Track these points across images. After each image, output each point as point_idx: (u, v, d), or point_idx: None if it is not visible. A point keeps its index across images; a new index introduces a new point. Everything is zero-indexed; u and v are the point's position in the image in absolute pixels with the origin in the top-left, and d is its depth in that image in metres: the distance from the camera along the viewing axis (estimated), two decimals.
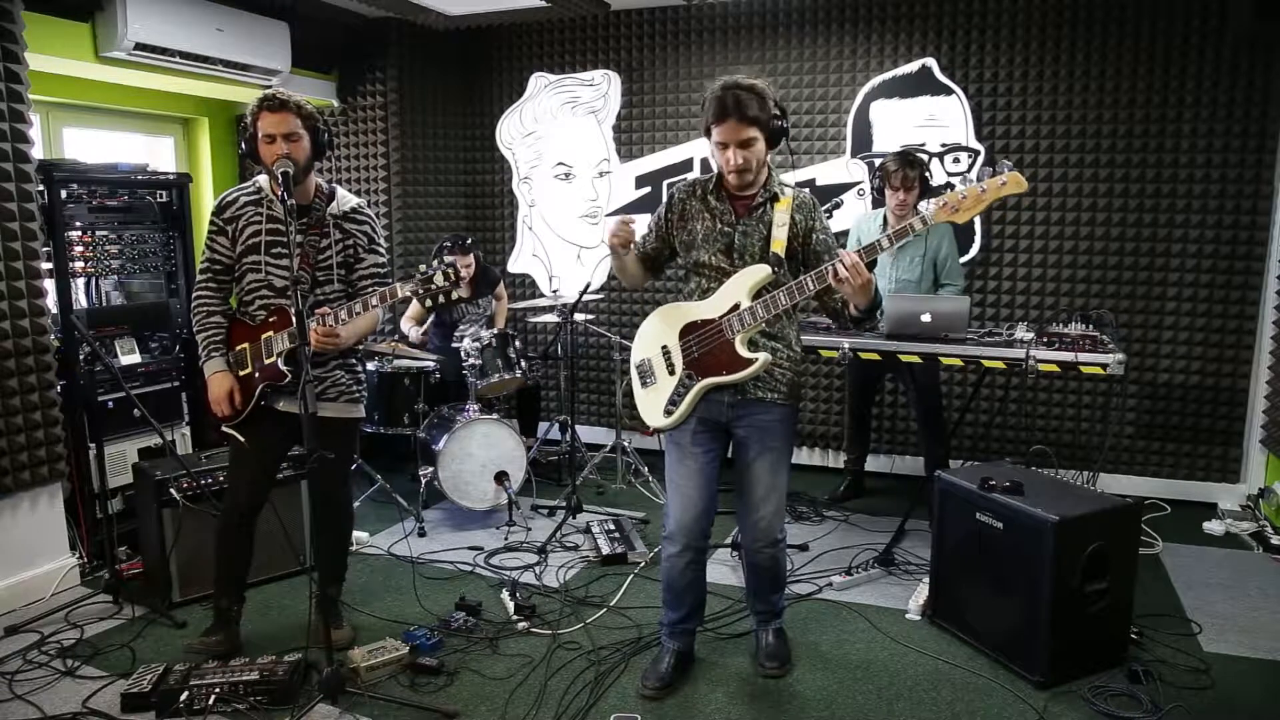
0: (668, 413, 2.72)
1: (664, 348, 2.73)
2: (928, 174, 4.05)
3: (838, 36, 4.86)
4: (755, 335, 2.63)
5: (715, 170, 2.67)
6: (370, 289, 2.84)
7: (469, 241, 4.77)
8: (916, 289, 4.08)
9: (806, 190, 2.72)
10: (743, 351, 2.57)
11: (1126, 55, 4.38)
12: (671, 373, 2.72)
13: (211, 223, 2.83)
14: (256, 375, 2.80)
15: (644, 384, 2.80)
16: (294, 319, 2.59)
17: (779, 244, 2.58)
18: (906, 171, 3.92)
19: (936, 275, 4.10)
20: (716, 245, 2.64)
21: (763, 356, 2.57)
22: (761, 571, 2.88)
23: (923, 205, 2.48)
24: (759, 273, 2.57)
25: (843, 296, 2.54)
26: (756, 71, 5.00)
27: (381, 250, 2.95)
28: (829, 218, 4.82)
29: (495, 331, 4.53)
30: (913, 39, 4.72)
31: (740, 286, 2.58)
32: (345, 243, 2.85)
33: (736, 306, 2.58)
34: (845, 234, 4.47)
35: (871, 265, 2.46)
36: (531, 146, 5.56)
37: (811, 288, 2.49)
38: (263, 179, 2.84)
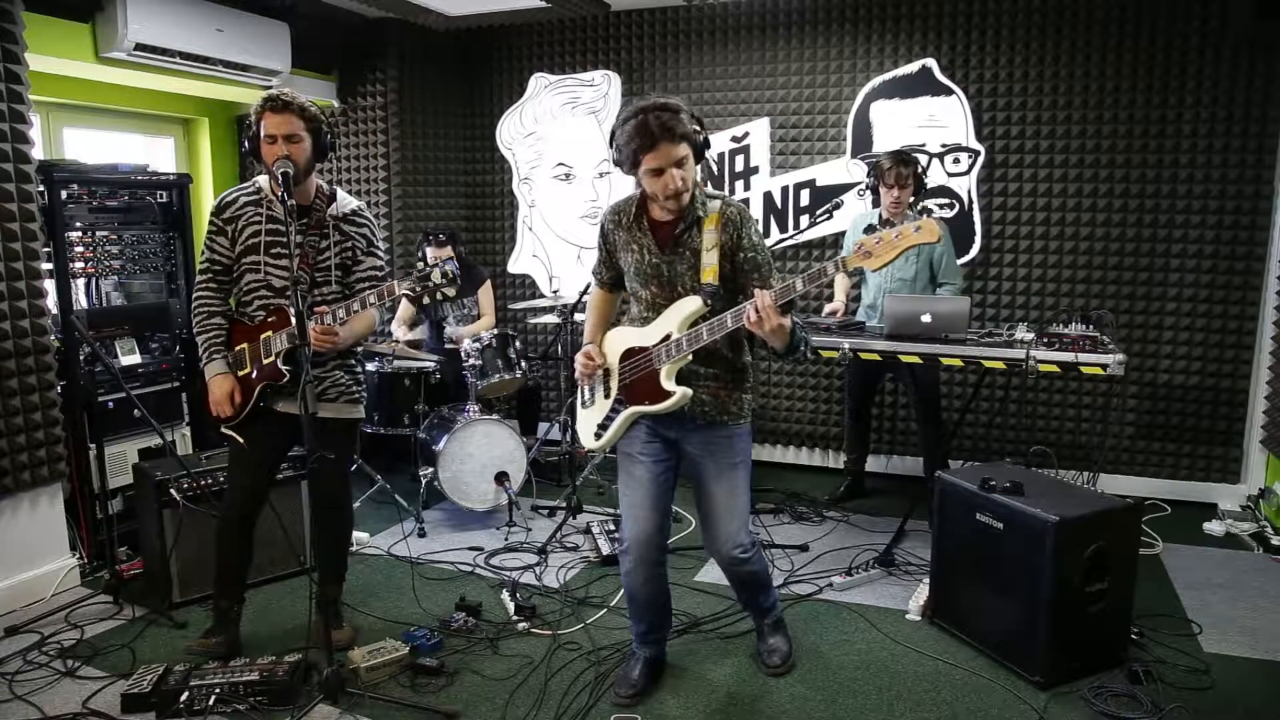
0: (597, 435, 2.72)
1: (605, 370, 2.72)
2: (922, 172, 4.06)
3: (838, 37, 4.86)
4: (685, 367, 2.54)
5: (636, 196, 2.59)
6: (368, 292, 2.85)
7: (443, 236, 4.73)
8: (911, 288, 4.08)
9: (735, 203, 2.57)
10: (666, 384, 2.51)
11: (1126, 55, 4.38)
12: (606, 396, 2.71)
13: (211, 223, 2.83)
14: (254, 375, 2.80)
15: (583, 404, 2.80)
16: (293, 319, 2.59)
17: (710, 271, 2.47)
18: (900, 170, 3.94)
19: (933, 274, 4.10)
20: (649, 278, 2.57)
21: (680, 391, 2.49)
22: (743, 584, 2.87)
23: (867, 237, 2.35)
24: (691, 305, 2.49)
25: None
26: (756, 72, 5.01)
27: (380, 254, 2.95)
28: (828, 218, 4.82)
29: (495, 332, 4.53)
30: (913, 39, 4.72)
31: (674, 318, 2.51)
32: (344, 245, 2.85)
33: (668, 337, 2.52)
34: (843, 235, 4.48)
35: (789, 307, 2.37)
36: (532, 147, 5.56)
37: (730, 325, 2.41)
38: (263, 179, 2.85)
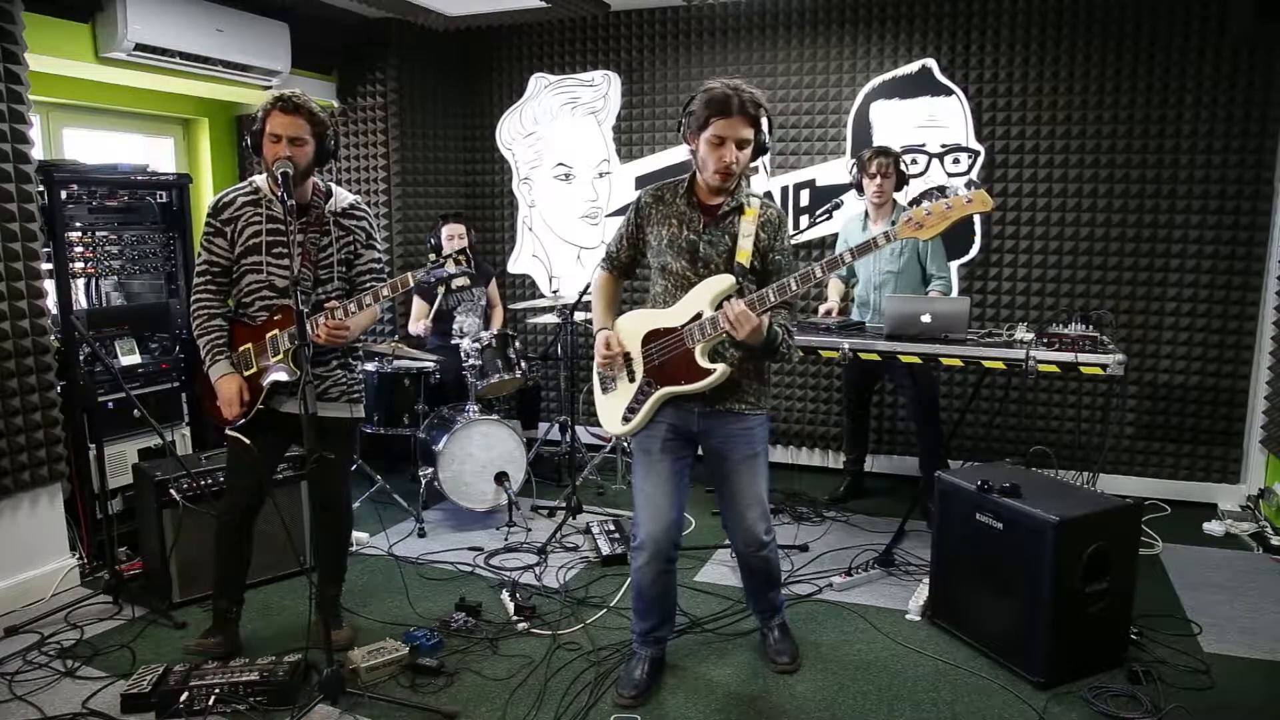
0: (625, 419, 2.70)
1: (626, 354, 2.70)
2: (902, 163, 4.11)
3: (838, 37, 4.86)
4: (718, 345, 2.58)
5: (690, 173, 2.65)
6: (369, 284, 2.85)
7: (463, 214, 4.90)
8: (899, 280, 4.09)
9: (775, 206, 2.67)
10: (702, 362, 2.53)
11: (1126, 55, 4.38)
12: (631, 379, 2.70)
13: (208, 224, 2.81)
14: (260, 374, 2.79)
15: (604, 389, 2.79)
16: (296, 319, 2.59)
17: (744, 255, 2.55)
18: (881, 159, 4.00)
19: (923, 266, 4.11)
20: (682, 252, 2.61)
21: (720, 368, 2.52)
22: (755, 573, 2.89)
23: (916, 208, 2.48)
24: (723, 282, 2.53)
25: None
26: (756, 72, 5.01)
27: (379, 246, 2.95)
28: (828, 218, 4.82)
29: (495, 332, 4.53)
30: (913, 39, 4.72)
31: (703, 296, 2.55)
32: (345, 240, 2.86)
33: (698, 316, 2.54)
34: (835, 236, 4.48)
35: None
36: (531, 147, 5.56)
37: (773, 299, 2.46)
38: (260, 179, 2.84)
